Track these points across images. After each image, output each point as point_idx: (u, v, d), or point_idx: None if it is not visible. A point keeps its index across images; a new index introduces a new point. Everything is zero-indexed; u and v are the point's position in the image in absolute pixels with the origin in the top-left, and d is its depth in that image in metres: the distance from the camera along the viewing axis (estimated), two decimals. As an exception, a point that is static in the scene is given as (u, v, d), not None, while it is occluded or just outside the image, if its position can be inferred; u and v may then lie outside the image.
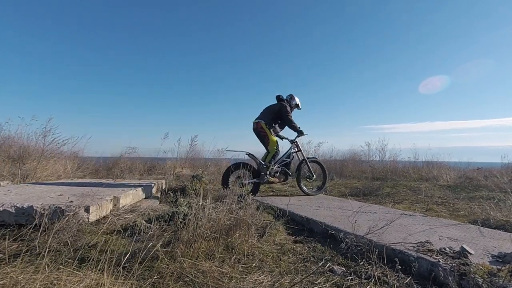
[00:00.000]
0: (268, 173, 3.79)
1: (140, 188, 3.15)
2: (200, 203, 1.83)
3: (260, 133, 3.88)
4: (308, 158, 4.26)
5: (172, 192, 3.56)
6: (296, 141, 4.14)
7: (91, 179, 4.58)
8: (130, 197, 2.83)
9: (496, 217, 2.51)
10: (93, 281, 1.10)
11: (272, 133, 3.91)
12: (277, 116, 3.98)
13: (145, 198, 3.24)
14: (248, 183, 3.79)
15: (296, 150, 4.17)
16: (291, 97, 4.18)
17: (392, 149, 7.93)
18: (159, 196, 3.50)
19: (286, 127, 4.11)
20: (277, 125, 4.04)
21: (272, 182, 3.94)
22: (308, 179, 4.21)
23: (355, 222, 2.06)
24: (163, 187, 4.11)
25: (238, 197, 2.21)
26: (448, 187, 4.67)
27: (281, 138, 4.19)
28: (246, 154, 3.94)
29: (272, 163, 3.83)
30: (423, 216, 2.60)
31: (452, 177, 5.48)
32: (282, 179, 4.01)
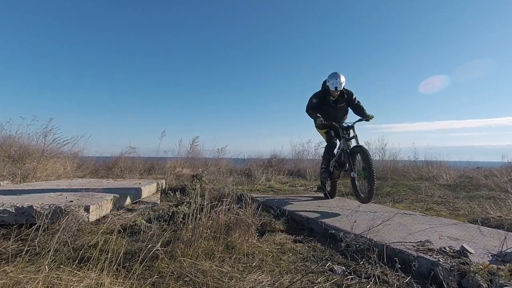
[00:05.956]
0: (325, 167, 3.56)
1: (140, 188, 3.15)
2: (200, 203, 1.84)
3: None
4: (355, 146, 3.06)
5: (172, 192, 3.56)
6: (352, 127, 3.20)
7: (91, 178, 4.59)
8: (130, 197, 2.83)
9: (496, 216, 2.51)
10: (93, 281, 1.10)
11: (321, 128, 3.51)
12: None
13: (145, 197, 3.25)
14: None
15: (348, 137, 3.18)
16: (325, 81, 3.42)
17: (391, 149, 7.87)
18: (159, 195, 3.51)
19: (353, 113, 3.52)
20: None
21: (331, 178, 3.53)
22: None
23: (355, 222, 2.06)
24: (163, 187, 4.11)
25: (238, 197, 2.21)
26: (448, 186, 4.67)
27: (343, 129, 3.22)
28: None
29: (326, 156, 3.54)
30: (423, 215, 2.60)
31: (452, 176, 5.47)
32: (336, 176, 3.49)
